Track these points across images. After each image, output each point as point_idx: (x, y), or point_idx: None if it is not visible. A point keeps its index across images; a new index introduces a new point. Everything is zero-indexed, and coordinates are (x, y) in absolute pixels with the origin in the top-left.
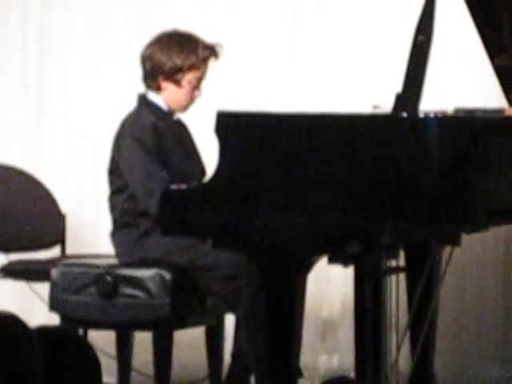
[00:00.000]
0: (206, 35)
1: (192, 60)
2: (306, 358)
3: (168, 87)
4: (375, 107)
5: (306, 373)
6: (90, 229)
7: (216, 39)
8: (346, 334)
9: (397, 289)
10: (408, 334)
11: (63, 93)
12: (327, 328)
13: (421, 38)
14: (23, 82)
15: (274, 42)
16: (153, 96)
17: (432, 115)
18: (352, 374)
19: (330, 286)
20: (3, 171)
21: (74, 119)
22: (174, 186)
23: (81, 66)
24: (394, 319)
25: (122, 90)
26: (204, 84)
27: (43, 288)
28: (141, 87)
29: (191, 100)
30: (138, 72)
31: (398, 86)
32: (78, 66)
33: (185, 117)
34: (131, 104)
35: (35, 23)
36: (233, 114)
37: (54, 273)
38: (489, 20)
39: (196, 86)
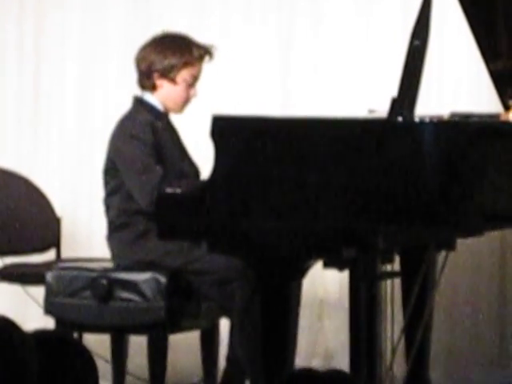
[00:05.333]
0: (202, 38)
1: (186, 57)
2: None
3: (163, 84)
4: (371, 111)
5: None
6: (85, 232)
7: (211, 42)
8: (341, 337)
9: (392, 293)
10: (403, 339)
11: (59, 96)
12: (322, 331)
13: (416, 42)
14: (19, 85)
15: (270, 46)
16: (148, 97)
17: (427, 120)
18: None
19: (324, 289)
20: None
21: (70, 123)
22: (169, 190)
23: (76, 69)
24: (389, 323)
25: (118, 94)
26: (199, 87)
27: (38, 291)
28: (136, 93)
29: (186, 99)
30: (133, 76)
31: (393, 91)
32: (74, 71)
33: (179, 120)
34: (127, 109)
35: (31, 24)
36: (228, 118)
37: (49, 276)
38: (484, 25)
39: (191, 84)
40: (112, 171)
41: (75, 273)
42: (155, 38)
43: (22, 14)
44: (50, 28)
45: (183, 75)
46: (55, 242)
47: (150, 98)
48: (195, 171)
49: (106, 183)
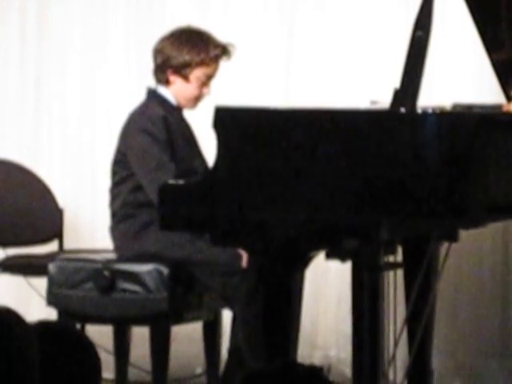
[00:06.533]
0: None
1: (201, 56)
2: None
3: (176, 81)
4: (373, 102)
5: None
6: (88, 224)
7: (231, 40)
8: (343, 329)
9: (394, 284)
10: (405, 329)
11: (61, 87)
12: (324, 322)
13: (419, 33)
14: (21, 76)
15: (272, 37)
16: (162, 90)
17: (430, 111)
18: (349, 368)
19: (327, 280)
20: (1, 166)
21: (72, 114)
22: (171, 181)
23: (79, 61)
24: (391, 314)
25: (120, 86)
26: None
27: (41, 283)
28: (138, 83)
29: (199, 96)
30: (135, 68)
31: (396, 82)
32: (76, 62)
33: (185, 113)
34: (129, 99)
35: (33, 13)
36: (231, 109)
37: (52, 267)
38: (487, 15)
39: (205, 82)
40: (122, 163)
41: (78, 264)
42: (175, 31)
43: (25, 3)
44: (52, 17)
45: (197, 74)
46: (58, 234)
47: (164, 91)
48: (205, 168)
49: (114, 173)
